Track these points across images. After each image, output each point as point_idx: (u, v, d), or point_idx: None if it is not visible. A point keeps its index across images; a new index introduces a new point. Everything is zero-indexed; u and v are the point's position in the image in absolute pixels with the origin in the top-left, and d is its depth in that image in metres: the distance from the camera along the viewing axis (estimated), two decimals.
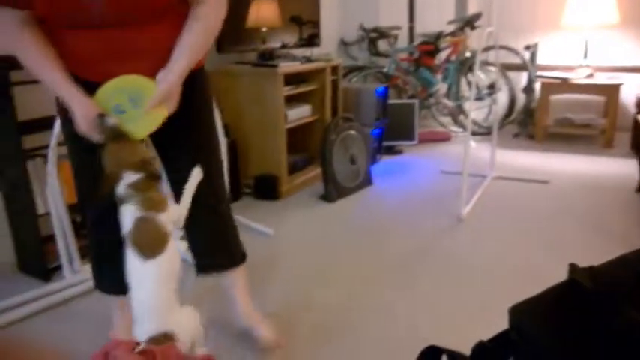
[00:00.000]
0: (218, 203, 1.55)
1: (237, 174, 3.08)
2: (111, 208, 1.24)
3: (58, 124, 1.97)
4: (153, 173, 1.21)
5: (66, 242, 2.12)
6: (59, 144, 2.04)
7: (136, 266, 1.17)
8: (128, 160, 1.19)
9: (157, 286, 1.17)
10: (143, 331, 1.12)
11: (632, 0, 4.22)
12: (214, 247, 1.61)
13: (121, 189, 1.19)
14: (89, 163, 1.32)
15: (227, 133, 2.75)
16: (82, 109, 1.19)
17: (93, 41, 1.21)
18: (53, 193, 2.04)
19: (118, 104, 1.22)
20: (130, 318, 1.38)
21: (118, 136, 1.20)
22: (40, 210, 2.16)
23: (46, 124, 2.21)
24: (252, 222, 2.68)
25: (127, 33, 1.20)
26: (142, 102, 1.21)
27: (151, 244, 1.17)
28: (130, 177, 1.18)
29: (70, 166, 1.47)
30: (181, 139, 1.44)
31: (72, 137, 1.33)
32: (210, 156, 1.51)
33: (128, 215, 1.19)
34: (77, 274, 2.15)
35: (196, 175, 1.35)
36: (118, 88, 1.21)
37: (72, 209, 2.27)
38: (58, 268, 2.17)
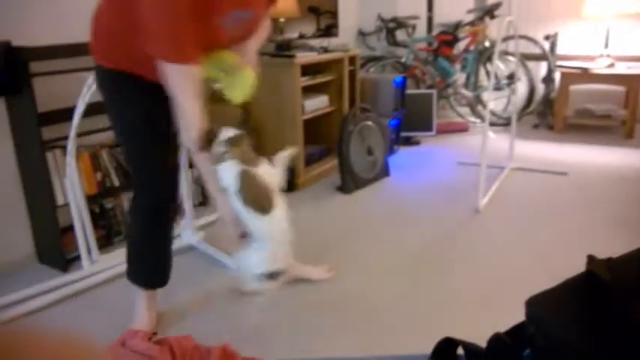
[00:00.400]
0: None
1: None
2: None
3: (77, 115, 2.00)
4: (250, 128, 1.43)
5: (84, 233, 2.15)
6: (78, 135, 2.06)
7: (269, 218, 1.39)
8: (229, 117, 1.40)
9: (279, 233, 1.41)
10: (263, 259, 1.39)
11: None
12: None
13: (219, 145, 1.35)
14: (164, 136, 1.57)
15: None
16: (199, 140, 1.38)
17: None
18: (72, 183, 2.07)
19: (214, 78, 1.44)
20: (154, 309, 1.72)
21: (219, 100, 1.41)
22: (59, 201, 2.20)
23: (65, 115, 2.24)
24: None
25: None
26: (232, 70, 1.44)
27: (262, 197, 1.38)
28: (227, 133, 1.36)
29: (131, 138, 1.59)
30: None
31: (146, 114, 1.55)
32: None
33: (227, 170, 1.36)
34: (95, 264, 2.19)
35: (290, 150, 1.58)
36: (211, 64, 1.40)
37: (90, 200, 2.30)
38: (77, 258, 2.21)
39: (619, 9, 4.00)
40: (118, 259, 2.22)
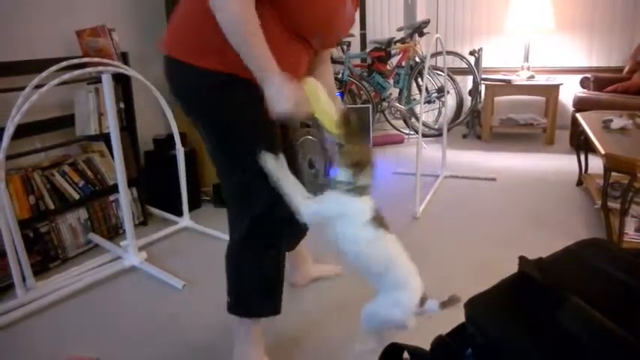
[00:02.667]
0: None
1: (196, 182, 3.06)
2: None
3: (6, 137, 1.91)
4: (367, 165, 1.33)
5: (18, 259, 2.05)
6: (7, 157, 1.97)
7: (387, 241, 1.35)
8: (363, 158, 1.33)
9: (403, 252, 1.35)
10: (413, 291, 1.33)
11: (566, 7, 4.47)
12: None
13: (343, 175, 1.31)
14: (269, 126, 1.38)
15: (184, 142, 2.73)
16: (294, 91, 1.24)
17: (303, 54, 1.43)
18: (2, 208, 1.97)
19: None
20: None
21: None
22: None
23: None
24: (212, 230, 2.67)
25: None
26: (318, 101, 1.31)
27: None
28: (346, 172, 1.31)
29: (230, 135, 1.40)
30: None
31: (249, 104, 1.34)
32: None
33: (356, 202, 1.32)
34: (31, 291, 2.08)
35: None
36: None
37: (24, 224, 2.20)
38: (11, 286, 2.10)
39: (537, 25, 4.31)
40: (55, 285, 2.14)
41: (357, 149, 1.31)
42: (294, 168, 1.61)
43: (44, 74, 2.00)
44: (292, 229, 1.58)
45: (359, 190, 1.33)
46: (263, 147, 1.36)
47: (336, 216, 1.35)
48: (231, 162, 1.42)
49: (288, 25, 1.32)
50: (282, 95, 1.23)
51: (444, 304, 1.34)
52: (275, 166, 1.35)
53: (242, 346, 1.56)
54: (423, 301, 1.35)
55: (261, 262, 1.48)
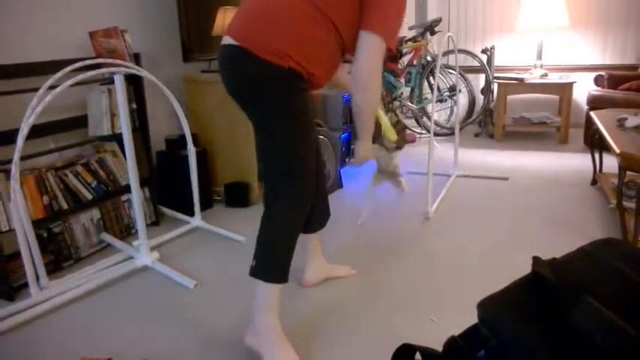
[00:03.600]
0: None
1: (207, 182, 3.07)
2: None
3: (21, 138, 1.93)
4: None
5: (32, 259, 2.07)
6: (21, 158, 1.99)
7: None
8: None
9: None
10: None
11: (579, 4, 4.42)
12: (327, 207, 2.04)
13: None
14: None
15: (196, 142, 2.74)
16: (370, 150, 1.80)
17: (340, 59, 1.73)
18: (17, 208, 1.99)
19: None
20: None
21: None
22: (4, 227, 2.11)
23: (7, 137, 2.16)
24: (223, 230, 2.68)
25: None
26: (382, 119, 2.00)
27: None
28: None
29: (293, 135, 1.61)
30: None
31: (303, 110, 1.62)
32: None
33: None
34: (44, 291, 2.10)
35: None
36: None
37: (37, 224, 2.22)
38: (25, 286, 2.12)
39: (550, 22, 4.27)
40: (68, 284, 2.16)
41: (400, 137, 2.05)
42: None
43: (58, 75, 2.02)
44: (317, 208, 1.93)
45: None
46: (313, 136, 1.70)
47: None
48: (291, 144, 1.61)
49: (342, 44, 1.61)
50: (366, 151, 1.79)
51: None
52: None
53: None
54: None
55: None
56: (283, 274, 1.63)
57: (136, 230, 2.40)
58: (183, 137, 2.73)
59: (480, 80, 4.76)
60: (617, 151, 2.20)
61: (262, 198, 1.70)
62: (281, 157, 1.60)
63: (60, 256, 2.36)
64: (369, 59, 1.55)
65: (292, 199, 1.63)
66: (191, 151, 2.70)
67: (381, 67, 1.59)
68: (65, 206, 2.38)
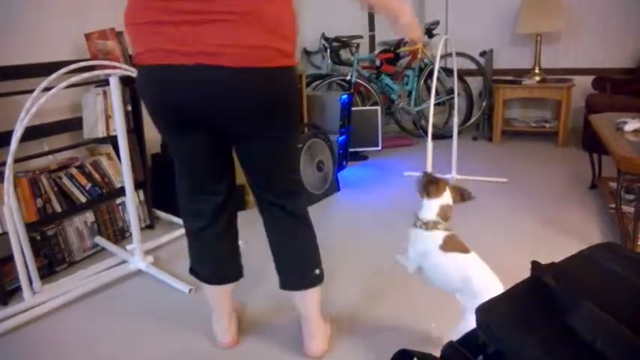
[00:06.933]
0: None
1: None
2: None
3: (15, 140, 1.91)
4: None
5: (24, 262, 2.05)
6: (15, 160, 1.97)
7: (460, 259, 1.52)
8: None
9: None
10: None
11: (578, 7, 4.42)
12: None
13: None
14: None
15: None
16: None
17: None
18: (10, 211, 1.97)
19: None
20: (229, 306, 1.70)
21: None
22: None
23: (1, 139, 2.14)
24: None
25: None
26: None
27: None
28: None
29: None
30: None
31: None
32: None
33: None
34: (37, 295, 2.08)
35: None
36: None
37: (30, 227, 2.20)
38: (18, 289, 2.10)
39: (548, 25, 4.27)
40: (61, 288, 2.13)
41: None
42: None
43: (53, 77, 2.00)
44: None
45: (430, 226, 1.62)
46: None
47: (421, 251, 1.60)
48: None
49: None
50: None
51: None
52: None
53: None
54: None
55: None
56: None
57: (131, 234, 2.38)
58: None
59: (478, 83, 4.75)
60: (616, 154, 2.19)
61: (278, 211, 1.58)
62: (296, 163, 1.62)
63: (53, 260, 2.34)
64: None
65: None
66: None
67: None
68: (59, 209, 2.36)
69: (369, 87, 4.40)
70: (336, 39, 4.47)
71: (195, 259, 1.68)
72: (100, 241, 2.55)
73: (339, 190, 3.38)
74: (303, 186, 1.65)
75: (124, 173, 2.26)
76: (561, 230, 2.58)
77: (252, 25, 1.23)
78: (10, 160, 1.93)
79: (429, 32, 4.49)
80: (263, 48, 1.26)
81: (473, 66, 4.51)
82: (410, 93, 4.50)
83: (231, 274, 1.70)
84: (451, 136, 3.53)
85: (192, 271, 1.70)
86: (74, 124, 2.56)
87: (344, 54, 4.57)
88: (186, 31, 1.23)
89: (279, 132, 1.44)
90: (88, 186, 2.51)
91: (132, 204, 2.29)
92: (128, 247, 2.46)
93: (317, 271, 1.61)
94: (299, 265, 1.62)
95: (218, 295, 1.71)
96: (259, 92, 1.31)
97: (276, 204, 1.56)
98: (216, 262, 1.67)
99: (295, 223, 1.59)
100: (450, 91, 4.51)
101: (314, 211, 3.01)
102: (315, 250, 1.63)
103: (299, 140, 1.59)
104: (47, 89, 1.97)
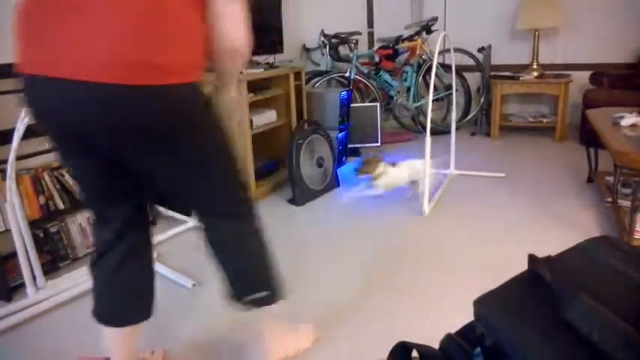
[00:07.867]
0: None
1: None
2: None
3: (17, 138, 1.93)
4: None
5: (28, 259, 2.07)
6: (18, 158, 1.99)
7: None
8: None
9: None
10: None
11: (575, 2, 4.43)
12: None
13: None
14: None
15: None
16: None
17: None
18: (13, 208, 1.99)
19: None
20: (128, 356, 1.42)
21: None
22: (0, 227, 2.11)
23: (3, 137, 2.15)
24: None
25: None
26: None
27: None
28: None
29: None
30: None
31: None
32: None
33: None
34: (41, 291, 2.10)
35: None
36: None
37: (34, 224, 2.22)
38: (21, 286, 2.11)
39: (546, 20, 4.28)
40: (65, 284, 2.15)
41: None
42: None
43: None
44: None
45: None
46: None
47: None
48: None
49: None
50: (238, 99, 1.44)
51: None
52: None
53: None
54: None
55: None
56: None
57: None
58: None
59: (476, 79, 4.76)
60: (613, 149, 2.21)
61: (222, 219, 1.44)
62: (233, 160, 1.46)
63: (56, 256, 2.36)
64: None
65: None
66: None
67: None
68: (61, 206, 2.38)
69: (368, 83, 4.41)
70: (335, 35, 4.48)
71: (93, 294, 1.41)
72: None
73: (338, 185, 3.40)
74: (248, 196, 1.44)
75: None
76: (558, 224, 2.60)
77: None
78: (12, 157, 1.94)
79: (428, 28, 4.50)
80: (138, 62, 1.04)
81: (471, 62, 4.52)
82: (409, 89, 4.51)
83: (132, 314, 1.40)
84: (449, 132, 3.55)
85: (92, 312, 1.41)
86: None
87: (343, 50, 4.57)
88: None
89: (172, 157, 1.24)
90: None
91: None
92: None
93: (262, 294, 1.47)
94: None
95: (115, 340, 1.41)
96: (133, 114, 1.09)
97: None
98: (114, 296, 1.38)
99: (247, 230, 1.46)
100: (449, 87, 4.53)
101: (314, 206, 3.05)
102: (263, 261, 1.52)
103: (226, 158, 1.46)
104: None
